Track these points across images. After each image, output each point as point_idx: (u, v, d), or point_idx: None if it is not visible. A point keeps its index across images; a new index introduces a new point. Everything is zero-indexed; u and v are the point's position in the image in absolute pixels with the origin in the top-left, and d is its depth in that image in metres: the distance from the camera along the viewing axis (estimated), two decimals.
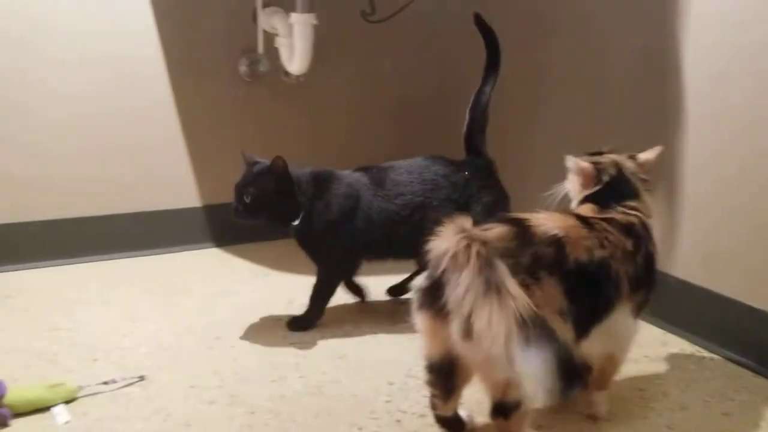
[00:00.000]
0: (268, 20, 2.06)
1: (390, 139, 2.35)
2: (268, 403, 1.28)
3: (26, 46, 1.88)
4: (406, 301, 1.65)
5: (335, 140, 2.34)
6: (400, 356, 1.47)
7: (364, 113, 2.38)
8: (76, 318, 1.62)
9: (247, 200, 1.50)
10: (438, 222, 0.98)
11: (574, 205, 1.23)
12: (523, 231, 1.03)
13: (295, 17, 1.92)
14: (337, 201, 1.55)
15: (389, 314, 1.69)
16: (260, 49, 2.10)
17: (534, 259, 1.00)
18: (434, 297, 0.98)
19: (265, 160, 1.54)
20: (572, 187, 1.23)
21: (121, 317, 1.63)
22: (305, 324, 1.60)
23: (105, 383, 1.30)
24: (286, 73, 2.10)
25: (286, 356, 1.47)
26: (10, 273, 1.90)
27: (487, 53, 1.64)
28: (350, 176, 1.60)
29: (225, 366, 1.41)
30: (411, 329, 1.57)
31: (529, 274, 0.98)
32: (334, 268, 1.63)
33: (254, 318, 1.64)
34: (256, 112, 2.22)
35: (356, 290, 1.73)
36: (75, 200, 2.00)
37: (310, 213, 1.53)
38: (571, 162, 1.21)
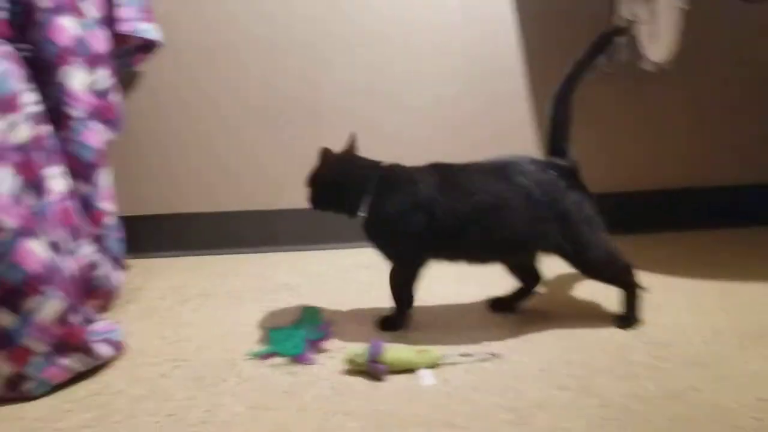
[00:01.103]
0: (630, 6, 1.99)
1: (751, 133, 2.10)
2: (622, 399, 1.25)
3: (400, 46, 2.13)
4: None
5: (695, 133, 2.17)
6: None
7: (736, 107, 2.17)
8: (434, 293, 1.77)
9: (311, 193, 1.57)
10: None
11: None
12: None
13: (662, 1, 1.83)
14: (400, 197, 1.49)
15: (760, 326, 1.52)
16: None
17: None
18: None
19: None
20: None
21: (475, 295, 1.73)
22: (392, 325, 1.58)
23: (463, 355, 1.40)
24: (647, 62, 2.01)
25: (641, 355, 1.41)
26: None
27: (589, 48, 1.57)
28: (418, 173, 1.52)
29: (576, 356, 1.42)
30: None
31: None
32: (401, 263, 1.56)
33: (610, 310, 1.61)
34: (616, 102, 2.18)
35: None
36: None
37: (374, 206, 1.51)
38: None
